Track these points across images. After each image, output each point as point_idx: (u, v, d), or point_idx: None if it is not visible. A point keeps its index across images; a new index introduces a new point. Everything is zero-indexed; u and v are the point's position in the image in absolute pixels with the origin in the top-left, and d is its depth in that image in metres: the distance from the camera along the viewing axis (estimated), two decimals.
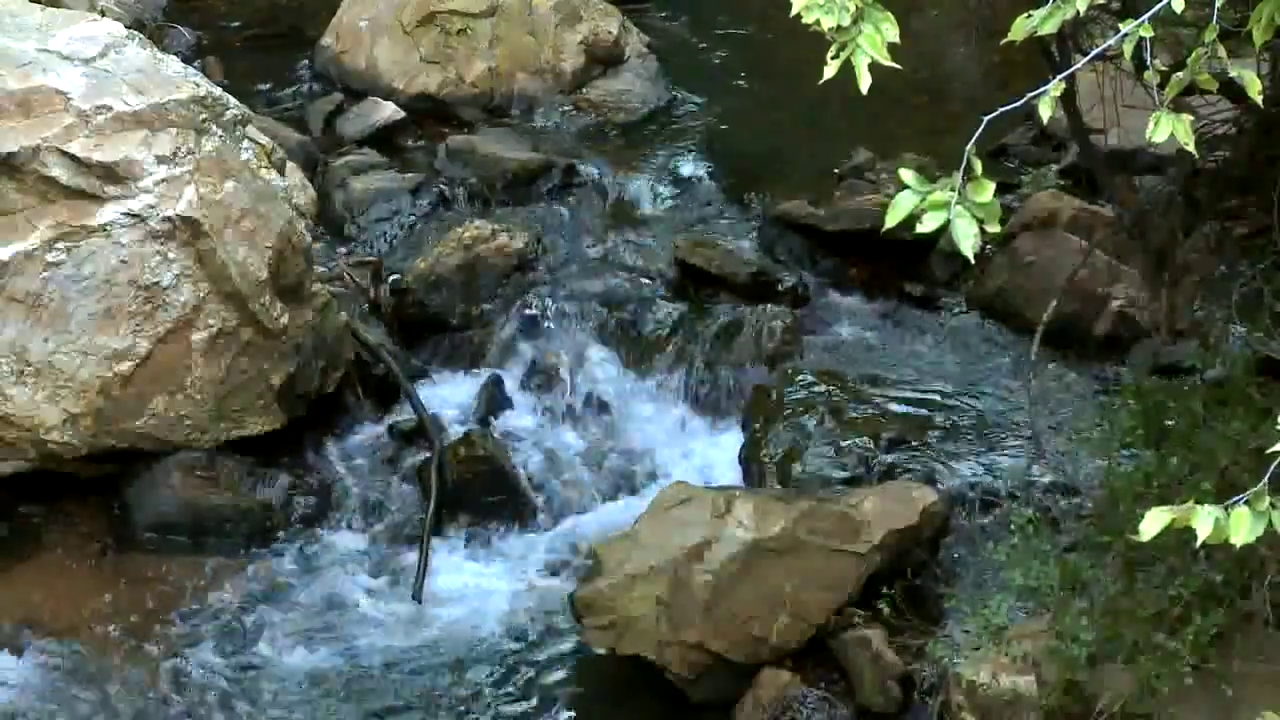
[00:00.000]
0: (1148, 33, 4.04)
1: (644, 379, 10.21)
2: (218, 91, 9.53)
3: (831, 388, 9.80)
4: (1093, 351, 10.03)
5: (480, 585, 9.17)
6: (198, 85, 9.39)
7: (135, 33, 9.80)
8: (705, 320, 10.34)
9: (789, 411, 9.57)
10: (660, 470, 9.74)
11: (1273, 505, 3.92)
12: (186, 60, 10.76)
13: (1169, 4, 3.99)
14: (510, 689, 8.55)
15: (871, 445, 9.31)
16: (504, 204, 11.39)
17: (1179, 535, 4.00)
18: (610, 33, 12.95)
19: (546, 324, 10.38)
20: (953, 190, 3.96)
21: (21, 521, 9.24)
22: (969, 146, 3.97)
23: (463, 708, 8.46)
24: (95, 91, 9.06)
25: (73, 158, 8.92)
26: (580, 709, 8.52)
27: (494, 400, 10.10)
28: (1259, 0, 4.15)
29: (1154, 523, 3.98)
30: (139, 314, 9.07)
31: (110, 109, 9.03)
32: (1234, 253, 7.53)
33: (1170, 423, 7.21)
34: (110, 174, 8.97)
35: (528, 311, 10.43)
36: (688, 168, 11.97)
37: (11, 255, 8.90)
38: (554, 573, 9.21)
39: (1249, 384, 7.11)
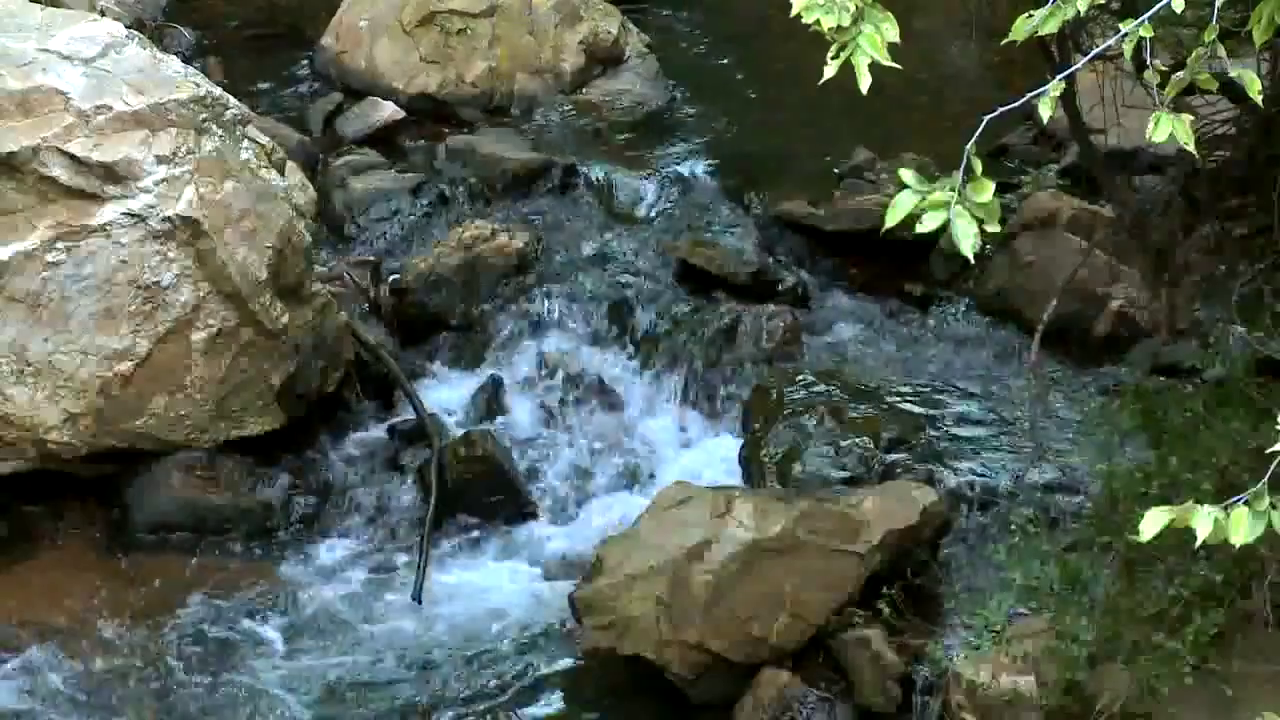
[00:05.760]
0: (1148, 33, 4.04)
1: (644, 379, 10.21)
2: (218, 91, 9.53)
3: (831, 388, 9.80)
4: (1093, 351, 10.03)
5: (480, 585, 9.17)
6: (198, 85, 9.38)
7: (135, 33, 9.80)
8: (705, 320, 10.33)
9: (789, 411, 9.56)
10: (660, 470, 9.73)
11: (1273, 505, 3.92)
12: (186, 60, 10.75)
13: (1169, 4, 3.99)
14: (510, 689, 8.55)
15: (871, 445, 9.31)
16: (504, 204, 11.38)
17: (1179, 535, 4.00)
18: (610, 33, 12.95)
19: (546, 324, 10.38)
20: (952, 190, 3.95)
21: (21, 521, 9.24)
22: (969, 146, 3.97)
23: (463, 708, 8.45)
24: (95, 91, 9.06)
25: (73, 157, 8.92)
26: (580, 709, 8.52)
27: (494, 400, 10.10)
28: (1259, 0, 4.14)
29: (1154, 523, 3.98)
30: (139, 314, 9.07)
31: (110, 109, 9.02)
32: (1234, 253, 7.53)
33: (1170, 423, 7.21)
34: (110, 174, 8.97)
35: (528, 311, 10.43)
36: (688, 168, 11.96)
37: (11, 255, 8.90)
38: (554, 573, 9.20)
39: (1249, 384, 7.11)
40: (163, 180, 9.02)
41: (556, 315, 10.40)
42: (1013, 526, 7.68)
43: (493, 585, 9.17)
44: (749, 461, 9.49)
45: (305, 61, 13.04)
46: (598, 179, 11.59)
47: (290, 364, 9.52)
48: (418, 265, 10.57)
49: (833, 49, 4.05)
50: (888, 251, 10.32)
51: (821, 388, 9.80)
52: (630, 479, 9.77)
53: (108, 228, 8.97)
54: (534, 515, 9.57)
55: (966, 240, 3.96)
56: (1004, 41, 4.27)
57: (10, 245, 8.90)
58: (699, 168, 11.96)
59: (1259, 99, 4.29)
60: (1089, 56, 4.43)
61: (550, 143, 12.16)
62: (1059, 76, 4.11)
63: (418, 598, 9.02)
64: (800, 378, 9.88)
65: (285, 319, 9.42)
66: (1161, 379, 8.28)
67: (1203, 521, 3.93)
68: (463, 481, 9.52)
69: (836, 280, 10.89)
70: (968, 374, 10.12)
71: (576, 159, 11.77)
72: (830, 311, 10.66)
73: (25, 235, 8.93)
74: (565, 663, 8.70)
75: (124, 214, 8.97)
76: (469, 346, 10.41)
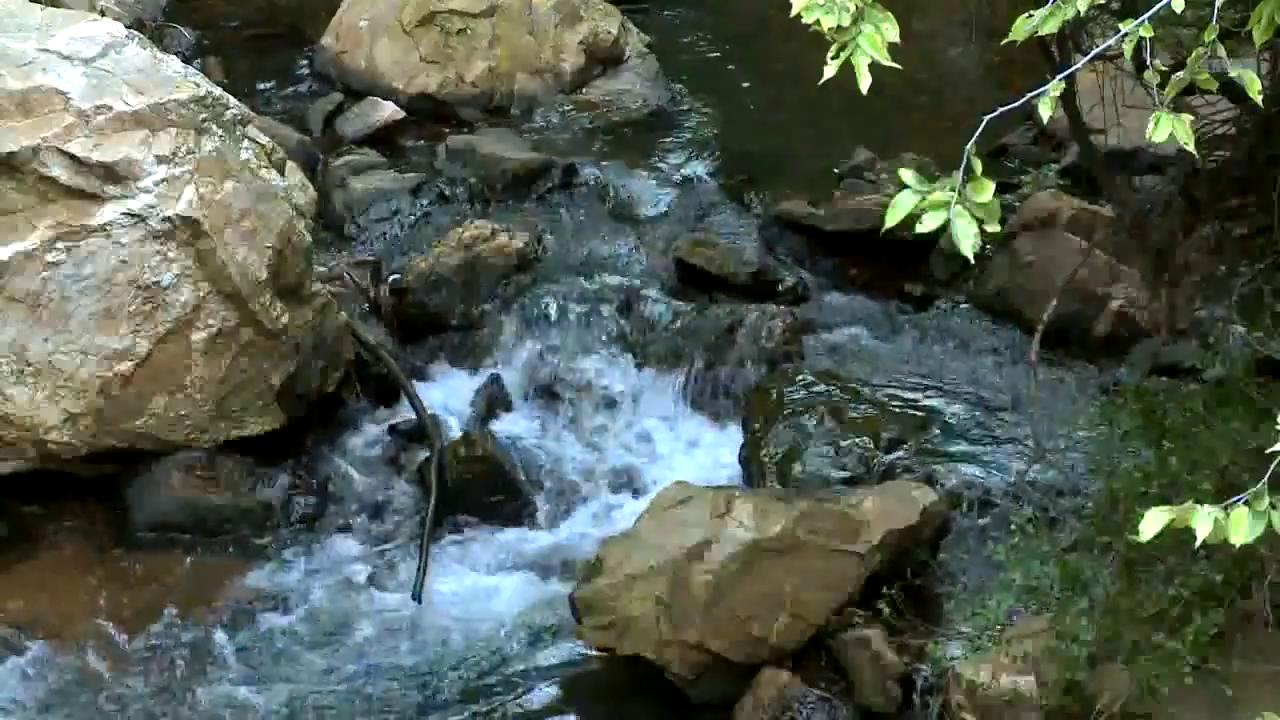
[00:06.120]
0: (1148, 33, 4.04)
1: (644, 379, 10.20)
2: (218, 91, 9.53)
3: (831, 388, 9.80)
4: (1093, 351, 10.02)
5: (480, 585, 9.17)
6: (198, 85, 9.38)
7: (135, 33, 9.80)
8: (705, 320, 10.33)
9: (789, 411, 9.57)
10: (660, 470, 9.73)
11: (1272, 505, 3.91)
12: (186, 60, 10.75)
13: (1169, 4, 3.99)
14: (510, 689, 8.55)
15: (871, 445, 9.31)
16: (504, 204, 11.39)
17: (1179, 535, 4.00)
18: (610, 33, 12.95)
19: (546, 324, 10.38)
20: (952, 190, 3.95)
21: (21, 521, 9.24)
22: (969, 146, 3.97)
23: (462, 708, 8.45)
24: (95, 91, 9.06)
25: (73, 157, 8.92)
26: (580, 709, 8.52)
27: (494, 400, 10.10)
28: (1259, 0, 4.15)
29: (1154, 523, 3.98)
30: (139, 314, 9.07)
31: (110, 109, 9.02)
32: (1234, 253, 7.53)
33: (1170, 423, 7.21)
34: (110, 174, 8.97)
35: (528, 311, 10.43)
36: (688, 168, 11.97)
37: (11, 255, 8.90)
38: (554, 573, 9.20)
39: (1249, 384, 7.11)
40: (163, 180, 9.02)
41: (557, 315, 10.40)
42: (1013, 526, 7.68)
43: (493, 585, 9.17)
44: (749, 461, 9.49)
45: (305, 61, 13.05)
46: (598, 179, 11.60)
47: (290, 364, 9.52)
48: (418, 265, 10.57)
49: (833, 49, 4.05)
50: (888, 251, 10.33)
51: (821, 388, 9.80)
52: (630, 479, 9.77)
53: (108, 228, 8.97)
54: (534, 515, 9.57)
55: (966, 240, 3.96)
56: (1004, 41, 4.27)
57: (10, 245, 8.90)
58: (699, 168, 11.96)
59: (1259, 99, 4.29)
60: (1089, 56, 4.43)
61: (550, 143, 12.17)
62: (1059, 76, 4.10)
63: (418, 597, 9.02)
64: (800, 378, 9.88)
65: (285, 319, 9.42)
66: (1161, 379, 8.28)
67: (1203, 521, 3.93)
68: (463, 481, 9.52)
69: (836, 280, 10.89)
70: (968, 374, 10.12)
71: (576, 159, 11.78)
72: (830, 311, 10.66)
73: (25, 235, 8.93)
74: (565, 663, 8.70)
75: (124, 214, 8.97)
76: (469, 346, 10.41)
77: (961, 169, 3.96)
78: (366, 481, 9.64)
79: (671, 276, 10.74)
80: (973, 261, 4.16)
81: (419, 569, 9.12)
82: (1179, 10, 3.99)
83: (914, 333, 10.50)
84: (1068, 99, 7.21)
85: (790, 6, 4.03)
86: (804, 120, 12.11)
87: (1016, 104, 4.19)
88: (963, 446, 9.44)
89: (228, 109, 9.47)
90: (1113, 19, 6.18)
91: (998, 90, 10.66)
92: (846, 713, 8.08)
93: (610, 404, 10.12)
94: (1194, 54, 4.12)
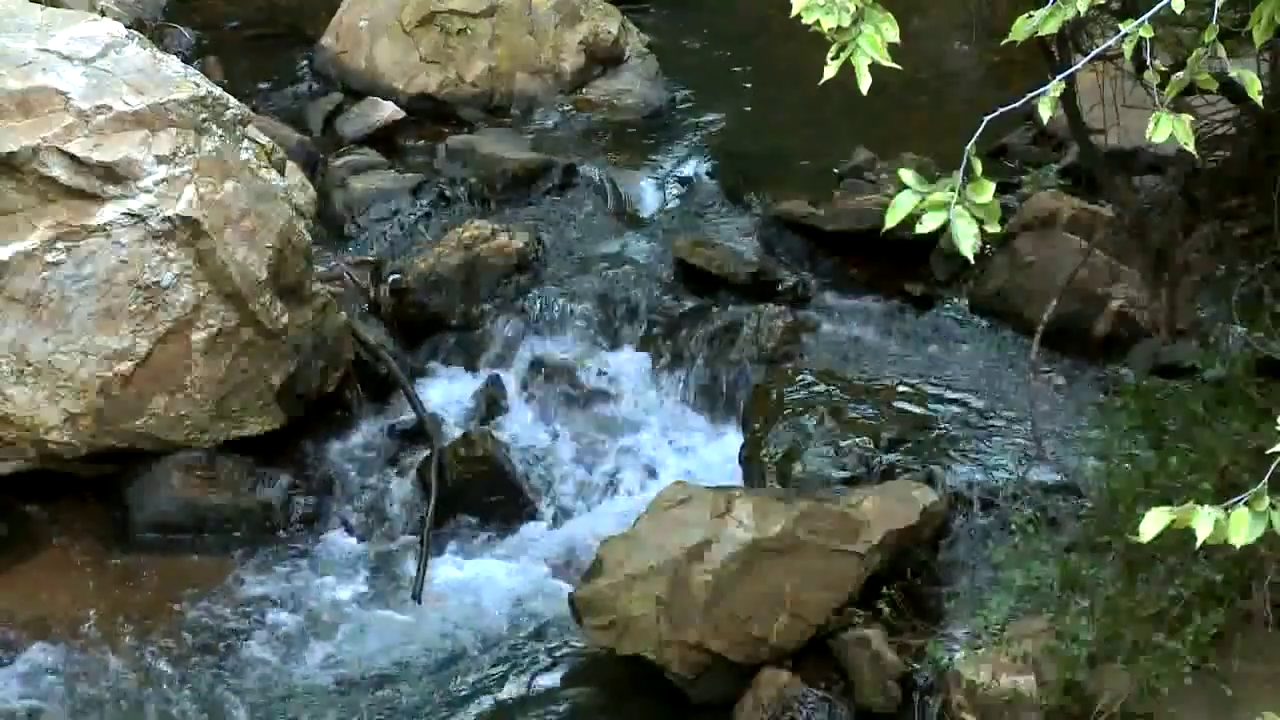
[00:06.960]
0: (1148, 33, 4.04)
1: (644, 378, 10.21)
2: (218, 91, 9.53)
3: (831, 388, 9.80)
4: (1093, 351, 10.02)
5: (480, 585, 9.17)
6: (198, 85, 9.39)
7: (135, 33, 9.81)
8: (705, 320, 10.34)
9: (789, 411, 9.56)
10: (660, 470, 9.73)
11: (1273, 505, 3.92)
12: (186, 60, 10.76)
13: (1169, 4, 4.00)
14: (510, 689, 8.55)
15: (871, 445, 9.31)
16: (504, 204, 11.39)
17: (1179, 535, 4.00)
18: (610, 33, 12.95)
19: (546, 324, 10.38)
20: (952, 190, 3.96)
21: (21, 521, 9.24)
22: (969, 146, 3.98)
23: (462, 708, 8.45)
24: (95, 91, 9.06)
25: (73, 157, 8.92)
26: (580, 709, 8.51)
27: (494, 400, 10.10)
28: (1259, 0, 4.15)
29: (1154, 523, 3.98)
30: (139, 314, 9.07)
31: (110, 109, 9.03)
32: (1234, 253, 7.54)
33: (1170, 423, 7.21)
34: (110, 174, 8.97)
35: (528, 311, 10.43)
36: (688, 168, 11.97)
37: (11, 255, 8.90)
38: (554, 573, 9.21)
39: (1249, 384, 7.12)
40: (163, 180, 9.03)
41: (556, 315, 10.40)
42: (1013, 526, 7.69)
43: (492, 585, 9.17)
44: (749, 461, 9.49)
45: (305, 61, 13.05)
46: (598, 179, 11.59)
47: (290, 364, 9.52)
48: (418, 265, 10.58)
49: (833, 49, 4.05)
50: (888, 251, 10.33)
51: (821, 388, 9.80)
52: (630, 479, 9.77)
53: (108, 228, 8.97)
54: (534, 515, 9.58)
55: (966, 240, 3.96)
56: (1004, 41, 4.27)
57: (10, 245, 8.90)
58: (699, 168, 11.96)
59: (1259, 99, 4.30)
60: (1089, 57, 4.43)
61: (550, 143, 12.17)
62: (1059, 77, 4.11)
63: (418, 597, 9.02)
64: (800, 378, 9.88)
65: (285, 319, 9.43)
66: (1161, 379, 8.28)
67: (1203, 522, 3.93)
68: (463, 481, 9.52)
69: (836, 280, 10.88)
70: (968, 374, 10.12)
71: (576, 159, 11.78)
72: (830, 311, 10.65)
73: (25, 235, 8.93)
74: (565, 663, 8.70)
75: (124, 214, 8.98)
76: (469, 346, 10.41)
77: (961, 169, 3.96)
78: (366, 481, 9.64)
79: (671, 276, 10.73)
80: (973, 261, 4.17)
81: (419, 569, 9.12)
82: (1179, 10, 3.99)
83: (914, 333, 10.50)
84: (1068, 99, 7.22)
85: (790, 6, 4.03)
86: (804, 120, 12.12)
87: (1016, 104, 4.19)
88: (963, 446, 9.44)
89: (228, 109, 9.47)
90: (1113, 19, 6.18)
91: (998, 90, 10.67)
92: (846, 713, 8.08)
93: (610, 404, 10.12)
94: (1194, 54, 4.12)
